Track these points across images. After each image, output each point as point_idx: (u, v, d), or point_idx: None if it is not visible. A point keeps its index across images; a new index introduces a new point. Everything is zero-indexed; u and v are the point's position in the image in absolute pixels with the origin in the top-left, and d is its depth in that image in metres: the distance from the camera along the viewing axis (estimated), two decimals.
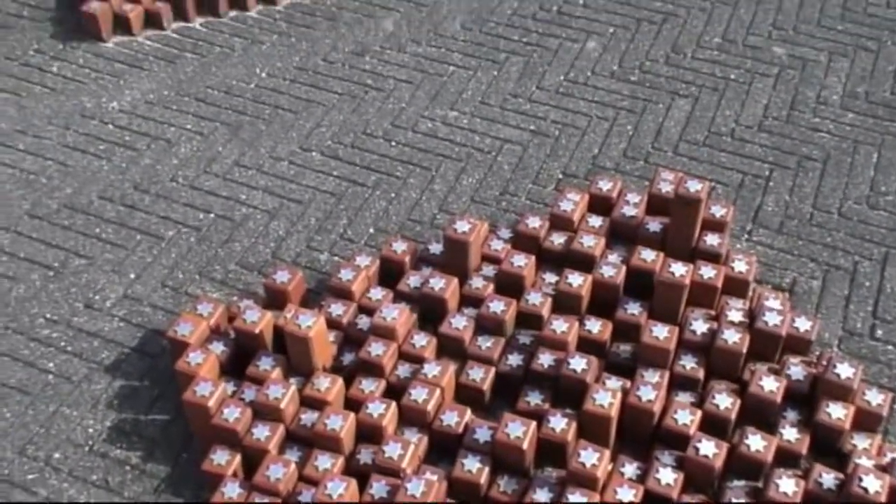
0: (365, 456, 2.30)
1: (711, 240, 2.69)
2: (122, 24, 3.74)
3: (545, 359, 2.46)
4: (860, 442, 2.33)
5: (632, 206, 2.81)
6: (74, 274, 2.90)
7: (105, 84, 3.55)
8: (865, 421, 2.34)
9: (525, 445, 2.22)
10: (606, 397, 2.30)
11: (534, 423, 2.26)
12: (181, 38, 3.76)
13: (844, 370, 2.34)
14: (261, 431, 2.31)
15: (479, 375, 2.46)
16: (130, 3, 3.75)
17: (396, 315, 2.50)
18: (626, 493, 2.18)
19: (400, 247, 2.76)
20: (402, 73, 3.59)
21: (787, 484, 2.18)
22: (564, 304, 2.58)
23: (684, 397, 2.42)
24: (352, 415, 2.32)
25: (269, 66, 3.63)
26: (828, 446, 2.33)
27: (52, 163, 3.25)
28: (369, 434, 2.33)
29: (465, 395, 2.45)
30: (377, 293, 2.65)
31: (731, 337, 2.43)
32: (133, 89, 3.53)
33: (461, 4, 3.89)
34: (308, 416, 2.35)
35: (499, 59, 3.64)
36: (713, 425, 2.32)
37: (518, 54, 3.66)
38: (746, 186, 3.13)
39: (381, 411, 2.32)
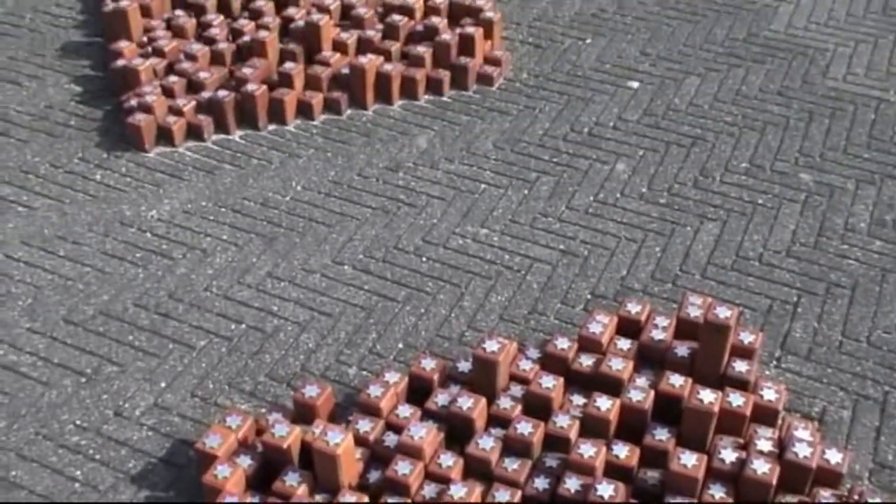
0: None
1: (740, 367, 2.69)
2: (164, 136, 3.86)
3: (572, 483, 2.44)
4: None
5: (660, 329, 2.82)
6: (106, 381, 2.93)
7: (145, 193, 3.65)
8: None
9: None
10: None
11: None
12: (221, 149, 3.87)
13: None
14: None
15: (506, 498, 2.44)
16: (174, 116, 3.87)
17: (424, 434, 2.50)
18: None
19: (429, 364, 2.78)
20: (435, 190, 3.66)
21: None
22: (592, 427, 2.58)
23: None
24: None
25: (304, 180, 3.72)
26: None
27: (90, 269, 3.32)
28: None
29: None
30: (405, 410, 2.66)
31: (761, 467, 2.42)
32: (172, 199, 3.62)
33: (494, 124, 3.99)
34: None
35: (529, 179, 3.71)
36: None
37: (549, 174, 3.74)
38: (775, 312, 3.14)
39: None
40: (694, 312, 2.82)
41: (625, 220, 3.52)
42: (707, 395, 2.54)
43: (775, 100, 4.11)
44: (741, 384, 2.66)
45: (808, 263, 3.31)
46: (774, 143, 3.86)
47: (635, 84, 4.22)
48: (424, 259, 3.37)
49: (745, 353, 2.73)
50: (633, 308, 2.90)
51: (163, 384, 2.92)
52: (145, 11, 4.34)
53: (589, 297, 3.21)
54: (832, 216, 3.51)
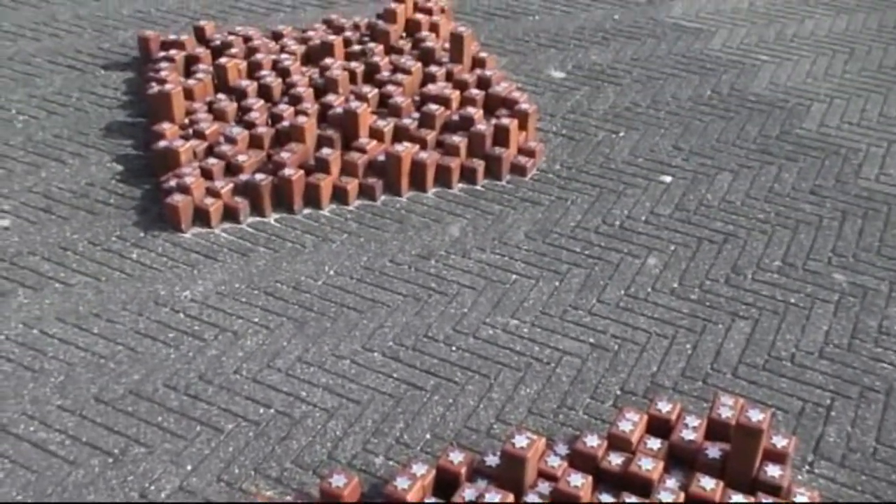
0: None
1: (772, 471, 2.65)
2: (201, 217, 3.92)
3: None
4: None
5: (691, 430, 2.79)
6: (133, 462, 2.93)
7: (180, 273, 3.69)
8: None
9: None
10: None
11: None
12: (256, 232, 3.92)
13: None
14: None
15: None
16: (211, 198, 3.94)
17: None
18: None
19: (457, 457, 2.76)
20: (466, 279, 3.68)
21: None
22: None
23: None
24: None
25: (337, 265, 3.75)
26: None
27: (123, 348, 3.35)
28: None
29: None
30: None
31: None
32: (206, 280, 3.66)
33: (526, 214, 4.02)
34: None
35: (561, 271, 3.73)
36: None
37: (580, 266, 3.75)
38: (807, 415, 3.10)
39: None
40: (725, 413, 2.79)
41: (656, 315, 3.51)
42: (739, 500, 2.50)
43: (808, 198, 4.12)
44: (773, 489, 2.62)
45: (842, 366, 3.28)
46: (807, 242, 3.86)
47: (668, 178, 4.25)
48: (454, 348, 3.37)
49: (777, 457, 2.69)
50: (664, 407, 2.88)
51: (189, 467, 2.92)
52: (188, 94, 4.44)
53: (619, 392, 3.19)
54: (866, 318, 3.49)
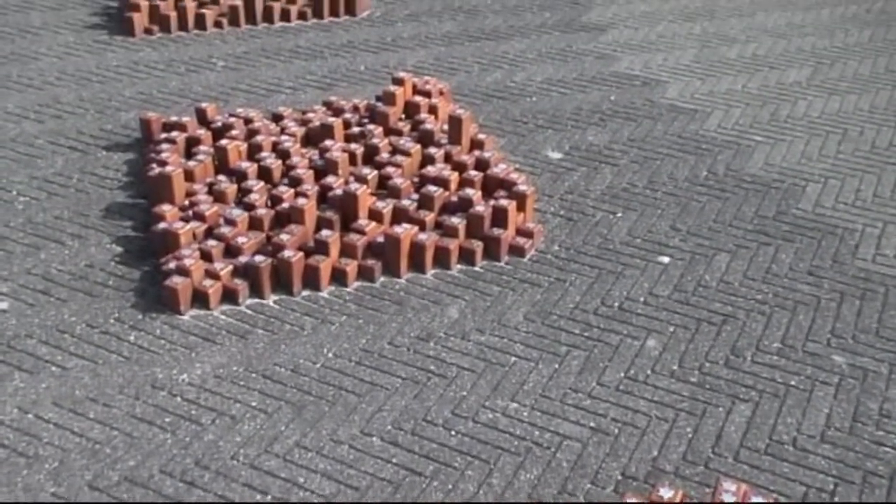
0: None
1: None
2: (200, 299, 3.92)
3: None
4: None
5: None
6: None
7: (178, 356, 3.68)
8: None
9: None
10: None
11: None
12: (255, 314, 3.92)
13: None
14: None
15: None
16: (210, 280, 3.95)
17: None
18: None
19: None
20: (465, 361, 3.67)
21: None
22: None
23: None
24: None
25: (336, 347, 3.74)
26: None
27: (119, 433, 3.32)
28: None
29: None
30: None
31: None
32: (204, 363, 3.64)
33: (525, 296, 4.03)
34: None
35: (560, 353, 3.72)
36: None
37: (579, 348, 3.74)
38: (810, 499, 3.06)
39: None
40: (728, 499, 2.76)
41: (655, 398, 3.49)
42: None
43: (805, 279, 4.13)
44: None
45: (844, 450, 3.26)
46: (806, 324, 3.86)
47: (666, 259, 4.26)
48: (454, 433, 3.34)
49: None
50: (666, 493, 2.85)
51: None
52: (189, 176, 4.48)
53: (619, 477, 3.16)
54: (867, 401, 3.47)
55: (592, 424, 3.38)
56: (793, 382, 3.56)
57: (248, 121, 4.98)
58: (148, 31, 6.42)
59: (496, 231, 4.25)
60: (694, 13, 6.95)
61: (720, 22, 6.81)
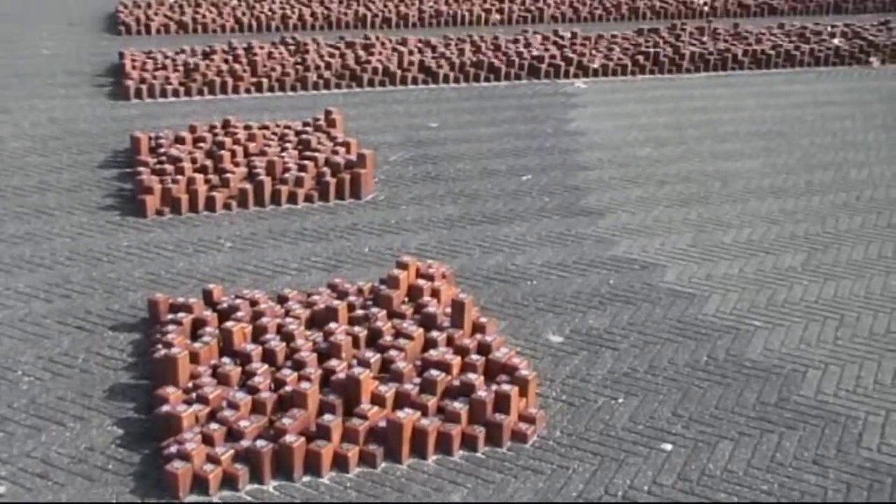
0: None
1: None
2: (200, 484, 3.88)
3: None
4: None
5: None
6: None
7: None
8: None
9: None
10: None
11: None
12: (254, 500, 3.87)
13: None
14: None
15: None
16: (211, 465, 3.92)
17: None
18: None
19: None
20: None
21: None
22: None
23: None
24: None
25: None
26: None
27: None
28: None
29: None
30: None
31: None
32: None
33: (527, 484, 3.99)
34: None
35: None
36: None
37: None
38: None
39: None
40: None
41: None
42: None
43: (811, 468, 4.10)
44: None
45: None
46: None
47: (668, 446, 4.25)
48: None
49: None
50: None
51: None
52: (193, 358, 4.52)
53: None
54: None
55: None
56: None
57: (253, 302, 5.06)
58: (159, 213, 6.61)
59: (498, 417, 4.25)
60: (689, 199, 7.17)
61: (714, 207, 7.01)
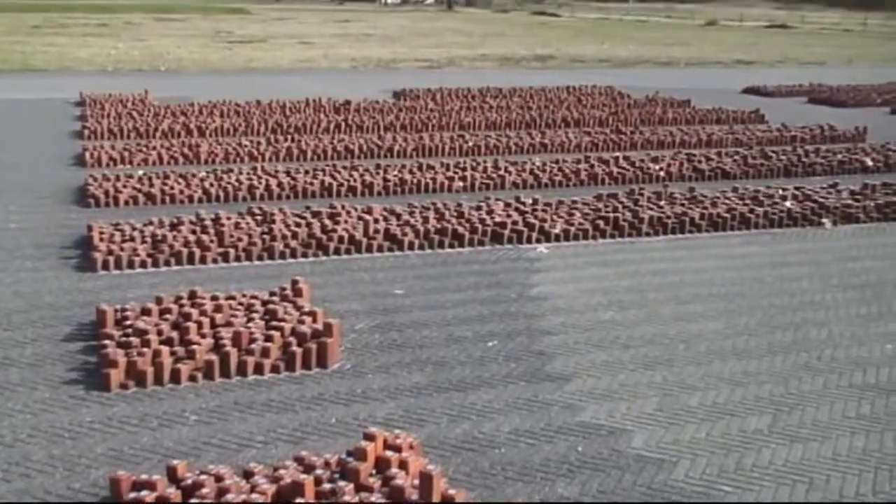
0: None
1: None
2: None
3: None
4: None
5: None
6: None
7: None
8: None
9: None
10: None
11: None
12: None
13: None
14: None
15: None
16: None
17: None
18: None
19: None
20: None
21: None
22: None
23: None
24: None
25: None
26: None
27: None
28: None
29: None
30: None
31: None
32: None
33: None
34: None
35: None
36: None
37: None
38: None
39: None
40: None
41: None
42: None
43: None
44: None
45: None
46: None
47: None
48: None
49: None
50: None
51: None
52: None
53: None
54: None
55: None
56: None
57: (218, 478, 4.98)
58: (123, 387, 6.55)
59: None
60: (653, 362, 7.24)
61: (678, 370, 7.08)
